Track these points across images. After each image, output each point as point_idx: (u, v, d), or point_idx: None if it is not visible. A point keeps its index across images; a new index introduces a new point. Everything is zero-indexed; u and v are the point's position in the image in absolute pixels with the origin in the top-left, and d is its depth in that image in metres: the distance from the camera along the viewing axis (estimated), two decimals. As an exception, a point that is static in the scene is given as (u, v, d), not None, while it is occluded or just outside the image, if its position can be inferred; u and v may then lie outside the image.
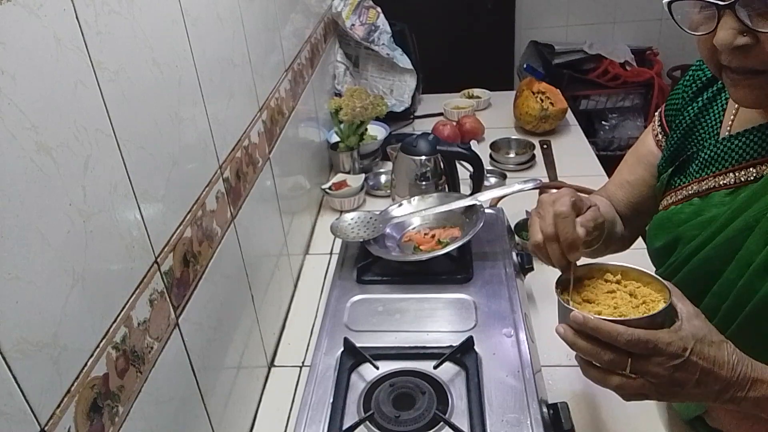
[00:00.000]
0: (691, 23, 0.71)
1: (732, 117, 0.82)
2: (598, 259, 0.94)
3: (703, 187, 0.82)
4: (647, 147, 0.98)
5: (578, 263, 0.79)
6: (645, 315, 0.69)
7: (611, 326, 0.66)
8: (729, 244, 0.74)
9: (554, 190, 0.82)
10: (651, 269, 0.89)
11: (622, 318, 0.69)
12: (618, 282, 0.77)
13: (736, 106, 0.82)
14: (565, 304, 0.72)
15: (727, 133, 0.81)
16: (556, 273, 0.80)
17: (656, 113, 0.98)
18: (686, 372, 0.66)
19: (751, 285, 0.71)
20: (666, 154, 0.92)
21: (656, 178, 0.94)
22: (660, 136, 0.96)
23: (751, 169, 0.76)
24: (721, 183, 0.79)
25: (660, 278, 0.74)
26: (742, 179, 0.77)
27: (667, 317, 0.69)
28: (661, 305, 0.70)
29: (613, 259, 0.82)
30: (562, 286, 0.78)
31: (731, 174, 0.78)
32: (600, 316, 0.69)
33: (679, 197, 0.86)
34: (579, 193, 0.81)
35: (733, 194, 0.77)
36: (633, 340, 0.65)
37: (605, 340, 0.67)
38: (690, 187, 0.84)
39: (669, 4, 0.71)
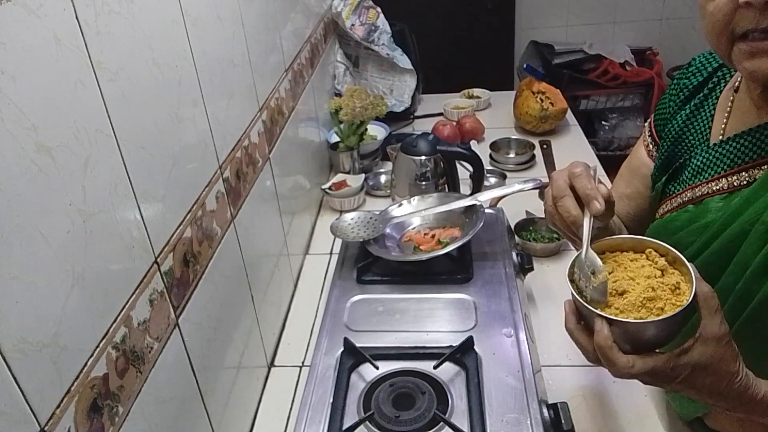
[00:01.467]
0: None
1: (723, 122, 0.82)
2: None
3: (697, 194, 0.82)
4: (640, 159, 0.98)
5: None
6: (661, 317, 0.65)
7: (617, 358, 0.65)
8: (726, 249, 0.74)
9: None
10: None
11: (638, 321, 0.66)
12: (652, 261, 0.72)
13: (727, 110, 0.82)
14: (579, 299, 0.69)
15: (719, 138, 0.81)
16: (556, 273, 0.80)
17: (646, 123, 0.98)
18: (668, 385, 0.67)
19: (748, 288, 0.71)
20: (658, 163, 0.92)
21: (651, 188, 0.94)
22: (651, 146, 0.96)
23: (743, 173, 0.76)
24: (714, 189, 0.79)
25: (690, 266, 0.68)
26: (735, 184, 0.76)
27: (686, 316, 0.66)
28: (685, 300, 0.66)
29: None
30: (575, 266, 0.74)
31: (724, 179, 0.78)
32: (614, 317, 0.66)
33: (674, 205, 0.86)
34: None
35: (727, 199, 0.77)
36: (633, 374, 0.65)
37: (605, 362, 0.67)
38: (684, 195, 0.84)
39: None
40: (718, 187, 0.79)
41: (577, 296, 0.70)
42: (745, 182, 0.75)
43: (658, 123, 0.94)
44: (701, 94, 0.87)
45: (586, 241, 0.72)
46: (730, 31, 0.66)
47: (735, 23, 0.65)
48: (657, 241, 0.73)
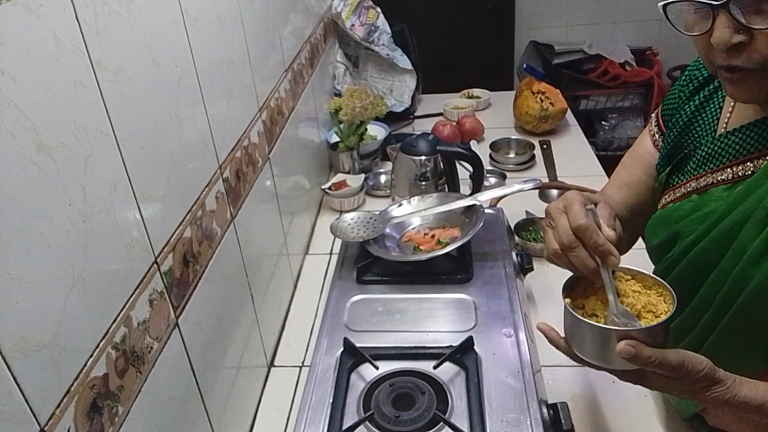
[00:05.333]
0: (686, 24, 0.71)
1: (728, 114, 0.83)
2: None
3: (701, 184, 0.82)
4: (644, 147, 0.98)
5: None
6: (642, 327, 0.70)
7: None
8: (725, 236, 0.75)
9: (557, 197, 0.82)
10: (650, 267, 0.90)
11: (619, 329, 0.70)
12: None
13: (732, 103, 0.83)
14: (574, 314, 0.72)
15: (723, 130, 0.82)
16: (556, 273, 0.80)
17: (653, 114, 0.99)
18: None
19: (744, 273, 0.72)
20: (663, 152, 0.92)
21: (654, 178, 0.94)
22: (657, 135, 0.96)
23: (748, 164, 0.77)
24: (718, 179, 0.80)
25: (670, 287, 0.74)
26: (739, 174, 0.77)
27: (665, 331, 0.71)
28: (662, 317, 0.71)
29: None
30: (568, 291, 0.78)
31: (728, 170, 0.79)
32: (602, 325, 0.70)
33: (677, 195, 0.86)
34: (583, 193, 0.81)
35: (730, 189, 0.78)
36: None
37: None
38: (688, 185, 0.84)
39: (664, 6, 0.71)
40: (722, 177, 0.79)
41: (571, 310, 0.73)
42: (749, 172, 0.76)
43: (665, 112, 0.95)
44: (711, 86, 0.88)
45: (612, 294, 0.74)
46: (712, 59, 0.71)
47: (713, 55, 0.71)
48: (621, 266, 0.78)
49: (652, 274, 0.77)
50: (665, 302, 0.74)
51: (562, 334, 0.77)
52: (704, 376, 0.67)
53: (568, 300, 0.76)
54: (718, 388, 0.68)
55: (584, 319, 0.71)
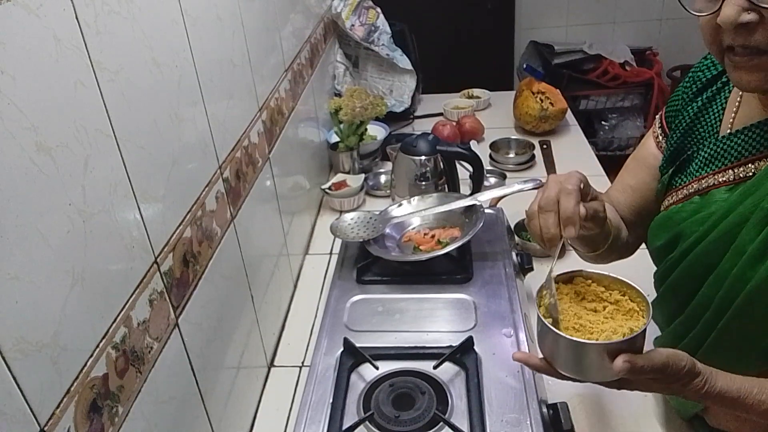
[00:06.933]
0: (696, 3, 0.70)
1: (732, 115, 0.83)
2: (597, 266, 0.94)
3: (703, 185, 0.82)
4: (648, 149, 0.98)
5: (559, 272, 0.79)
6: (623, 338, 0.69)
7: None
8: (725, 238, 0.75)
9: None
10: (652, 268, 0.90)
11: (600, 342, 0.69)
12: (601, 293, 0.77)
13: (737, 104, 0.82)
14: (549, 326, 0.71)
15: (727, 131, 0.82)
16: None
17: (657, 116, 0.99)
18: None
19: (743, 274, 0.72)
20: (666, 154, 0.92)
21: (657, 180, 0.94)
22: (660, 137, 0.96)
23: (749, 165, 0.77)
24: (720, 180, 0.80)
25: (642, 292, 0.74)
26: (741, 176, 0.77)
27: (643, 337, 0.70)
28: (641, 323, 0.71)
29: (615, 264, 0.82)
30: (539, 297, 0.77)
31: (730, 171, 0.79)
32: (582, 340, 0.70)
33: (680, 196, 0.86)
34: (590, 184, 0.81)
35: (731, 191, 0.78)
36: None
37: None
38: (690, 186, 0.84)
39: None
40: (724, 179, 0.79)
41: (542, 317, 0.73)
42: (750, 173, 0.76)
43: (669, 114, 0.95)
44: (714, 87, 0.88)
45: (554, 261, 0.77)
46: (719, 42, 0.70)
47: (721, 37, 0.69)
48: (589, 270, 0.79)
49: (608, 273, 0.77)
50: (632, 301, 0.74)
51: (538, 353, 0.76)
52: (687, 372, 0.68)
53: (542, 309, 0.75)
54: (697, 380, 0.69)
55: (561, 333, 0.70)
